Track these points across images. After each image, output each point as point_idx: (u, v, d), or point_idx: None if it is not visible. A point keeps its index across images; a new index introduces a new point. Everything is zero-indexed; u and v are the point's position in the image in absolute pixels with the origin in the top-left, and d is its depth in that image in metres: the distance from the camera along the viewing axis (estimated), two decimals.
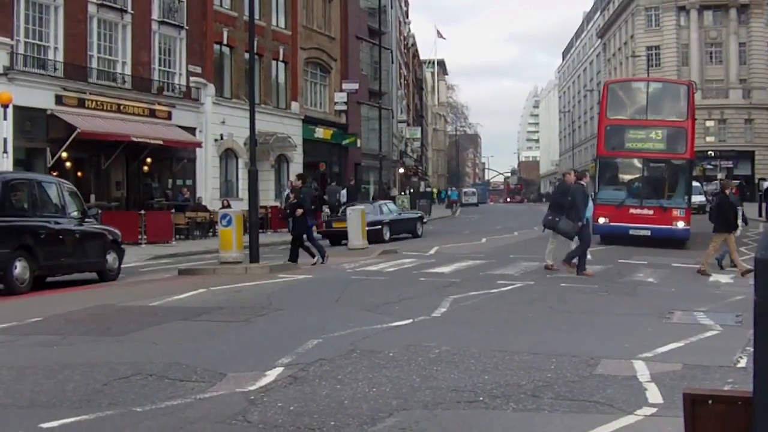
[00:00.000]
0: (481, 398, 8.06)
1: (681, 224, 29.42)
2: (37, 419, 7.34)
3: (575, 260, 20.10)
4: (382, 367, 9.39)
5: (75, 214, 19.77)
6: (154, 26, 38.95)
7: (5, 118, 25.26)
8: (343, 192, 49.44)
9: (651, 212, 29.54)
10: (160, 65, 39.57)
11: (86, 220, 20.31)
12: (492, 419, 7.50)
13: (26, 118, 31.22)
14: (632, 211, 29.71)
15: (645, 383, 8.70)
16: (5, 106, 24.81)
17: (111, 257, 20.72)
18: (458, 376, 8.98)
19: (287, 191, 28.03)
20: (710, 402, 4.03)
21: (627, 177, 31.84)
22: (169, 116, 39.24)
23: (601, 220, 29.43)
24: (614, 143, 30.71)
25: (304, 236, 23.11)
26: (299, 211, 23.07)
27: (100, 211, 24.36)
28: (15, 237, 17.36)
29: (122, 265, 21.58)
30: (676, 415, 5.53)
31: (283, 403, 7.81)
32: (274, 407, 7.68)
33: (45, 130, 32.52)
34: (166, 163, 40.07)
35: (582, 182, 21.29)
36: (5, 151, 25.43)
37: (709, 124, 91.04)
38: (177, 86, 40.48)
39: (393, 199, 54.27)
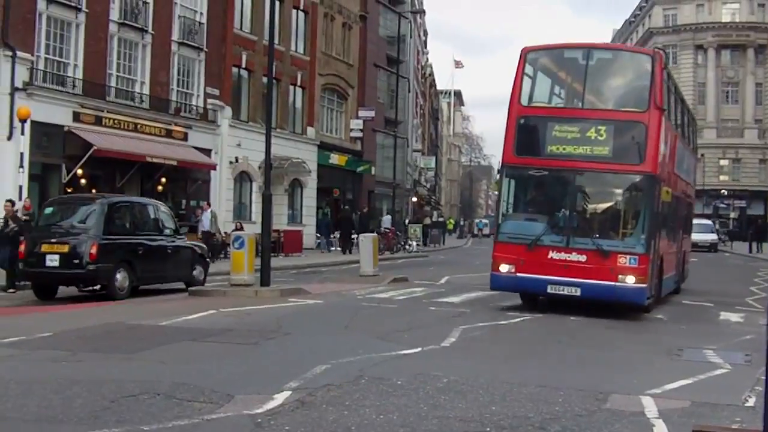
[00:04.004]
0: (488, 429, 8.05)
1: (631, 279, 18.08)
2: None
3: None
4: (389, 394, 9.38)
5: (168, 231, 22.57)
6: (174, 47, 39.12)
7: (23, 133, 25.43)
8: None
9: (583, 258, 18.41)
10: (178, 86, 39.73)
11: (178, 236, 23.09)
12: None
13: (43, 133, 31.35)
14: (553, 255, 18.66)
15: (653, 419, 8.68)
16: (23, 121, 24.97)
17: (197, 270, 23.32)
18: (466, 406, 8.97)
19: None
20: None
21: (547, 200, 20.13)
22: (185, 137, 39.36)
23: (504, 269, 19.11)
24: (529, 145, 19.77)
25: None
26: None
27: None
28: (117, 252, 20.07)
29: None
30: None
31: (290, 427, 7.82)
32: (281, 431, 7.68)
33: (62, 147, 32.64)
34: (180, 184, 40.17)
35: None
36: (21, 166, 25.58)
37: (724, 162, 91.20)
38: (194, 107, 40.61)
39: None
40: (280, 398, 8.98)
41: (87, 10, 33.59)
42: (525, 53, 20.01)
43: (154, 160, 35.56)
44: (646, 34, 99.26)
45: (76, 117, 32.96)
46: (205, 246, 24.77)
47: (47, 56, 32.39)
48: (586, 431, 8.11)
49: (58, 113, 32.02)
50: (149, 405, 8.54)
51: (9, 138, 30.05)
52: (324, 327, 15.44)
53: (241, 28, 44.50)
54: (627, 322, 17.84)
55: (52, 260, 19.38)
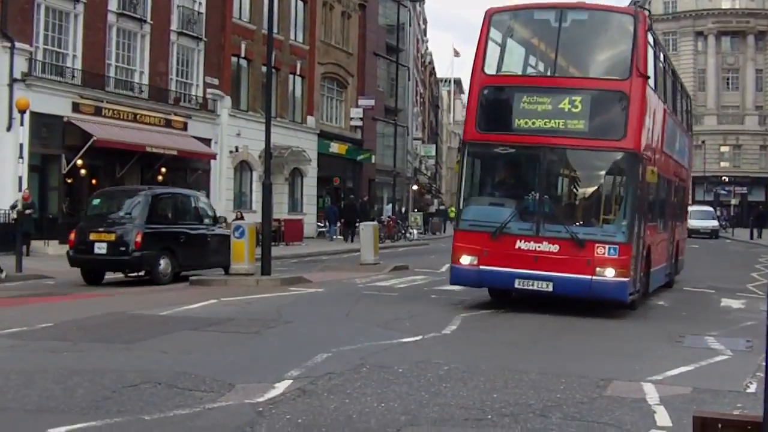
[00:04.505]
0: (489, 416, 8.04)
1: (610, 272, 15.75)
2: (44, 424, 7.36)
3: None
4: (390, 382, 9.38)
5: (207, 221, 23.98)
6: (173, 37, 39.06)
7: (22, 124, 25.36)
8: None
9: (555, 248, 16.06)
10: (177, 76, 39.67)
11: (217, 225, 24.61)
12: None
13: (43, 124, 31.31)
14: (521, 244, 16.28)
15: (654, 406, 8.68)
16: (22, 112, 24.89)
17: None
18: (467, 393, 8.97)
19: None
20: (720, 426, 4.02)
21: (514, 182, 17.88)
22: (184, 127, 39.32)
23: (465, 260, 16.68)
24: (494, 120, 17.40)
25: None
26: None
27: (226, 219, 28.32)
28: (160, 240, 21.55)
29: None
30: None
31: (291, 415, 7.81)
32: (282, 419, 7.68)
33: (61, 137, 32.61)
34: (180, 174, 40.08)
35: None
36: (21, 157, 25.56)
37: (724, 149, 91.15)
38: (194, 97, 40.56)
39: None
40: (281, 387, 8.97)
41: (85, 1, 33.53)
42: (489, 15, 17.48)
43: (154, 150, 35.53)
44: None
45: (76, 107, 32.93)
46: None
47: (46, 47, 32.35)
48: (588, 418, 8.11)
49: (57, 104, 31.99)
50: (150, 394, 8.54)
51: (8, 129, 30.06)
52: (325, 315, 15.43)
53: (240, 18, 44.46)
54: (628, 309, 17.78)
55: (100, 248, 20.98)
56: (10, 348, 11.21)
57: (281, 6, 44.70)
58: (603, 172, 17.03)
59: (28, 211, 25.81)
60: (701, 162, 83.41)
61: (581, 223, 16.63)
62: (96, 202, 23.35)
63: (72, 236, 21.77)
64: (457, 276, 17.09)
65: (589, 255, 15.77)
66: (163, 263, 21.59)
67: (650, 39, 17.44)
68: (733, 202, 79.55)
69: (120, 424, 7.49)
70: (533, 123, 16.70)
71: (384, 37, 65.70)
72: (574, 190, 17.78)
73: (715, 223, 64.43)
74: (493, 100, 17.55)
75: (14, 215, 25.66)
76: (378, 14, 64.69)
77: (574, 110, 16.48)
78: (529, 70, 18.65)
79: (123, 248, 20.93)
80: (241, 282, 20.82)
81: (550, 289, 16.15)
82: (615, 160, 16.55)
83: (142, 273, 22.06)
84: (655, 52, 18.31)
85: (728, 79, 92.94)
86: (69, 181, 33.37)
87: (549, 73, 17.74)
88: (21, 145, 25.75)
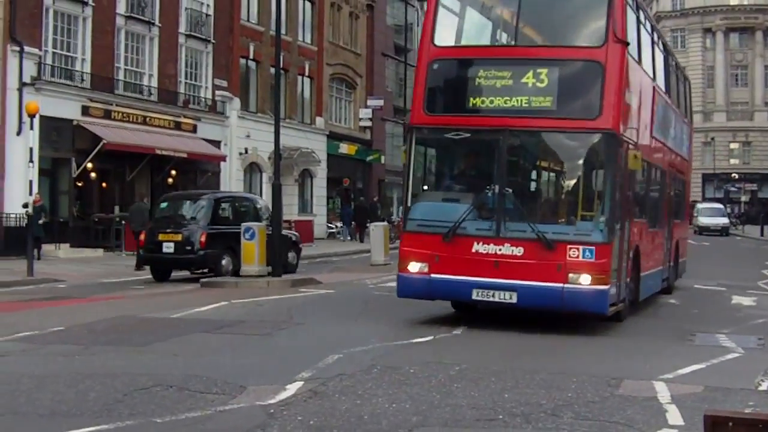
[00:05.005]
0: (500, 416, 8.05)
1: (586, 279, 13.20)
2: (57, 428, 7.40)
3: None
4: (402, 383, 9.39)
5: (265, 222, 24.05)
6: (181, 39, 39.05)
7: (32, 128, 25.38)
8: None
9: (519, 251, 13.49)
10: (186, 78, 39.67)
11: None
12: None
13: (52, 128, 31.31)
14: (478, 247, 13.68)
15: (665, 404, 8.67)
16: (32, 116, 24.90)
17: (291, 255, 25.72)
18: (478, 394, 8.97)
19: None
20: (731, 424, 4.02)
21: (469, 173, 15.35)
22: (194, 129, 39.32)
23: (413, 268, 14.10)
24: (445, 99, 15.00)
25: None
26: None
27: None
28: (223, 240, 23.06)
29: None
30: None
31: (302, 417, 7.82)
32: (294, 421, 7.69)
33: (71, 141, 32.65)
34: (190, 176, 40.09)
35: None
36: (31, 161, 25.57)
37: (734, 146, 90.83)
38: (203, 99, 40.57)
39: None
40: (292, 388, 8.99)
41: (93, 4, 33.55)
42: None
43: (164, 153, 35.55)
44: (654, 18, 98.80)
45: (85, 111, 32.96)
46: (298, 234, 27.38)
47: (55, 51, 32.39)
48: (599, 417, 8.10)
49: (66, 107, 32.03)
50: (162, 397, 8.56)
51: (18, 133, 30.10)
52: (336, 316, 15.44)
53: (248, 20, 44.43)
54: (638, 307, 17.71)
55: (168, 247, 22.86)
56: (22, 352, 11.25)
57: (289, 7, 44.75)
58: (575, 159, 14.42)
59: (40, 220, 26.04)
60: (711, 159, 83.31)
61: (549, 220, 14.15)
62: (163, 205, 25.32)
63: (142, 237, 23.81)
64: (405, 286, 14.42)
65: (560, 258, 13.27)
66: (225, 261, 22.98)
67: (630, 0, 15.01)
68: (744, 198, 79.35)
69: (132, 427, 7.52)
70: (491, 102, 14.17)
71: (392, 37, 65.66)
72: (541, 180, 15.27)
73: (725, 220, 64.37)
74: (444, 76, 14.95)
75: (26, 214, 25.76)
76: (386, 14, 64.61)
77: (539, 85, 13.90)
78: (487, 40, 15.90)
79: (189, 247, 22.69)
80: (251, 284, 20.86)
81: (514, 300, 13.61)
82: (589, 144, 13.91)
83: (206, 270, 23.37)
84: (637, 17, 15.86)
85: (737, 75, 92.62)
86: (79, 184, 33.42)
87: (510, 42, 15.08)
88: (31, 149, 25.77)
